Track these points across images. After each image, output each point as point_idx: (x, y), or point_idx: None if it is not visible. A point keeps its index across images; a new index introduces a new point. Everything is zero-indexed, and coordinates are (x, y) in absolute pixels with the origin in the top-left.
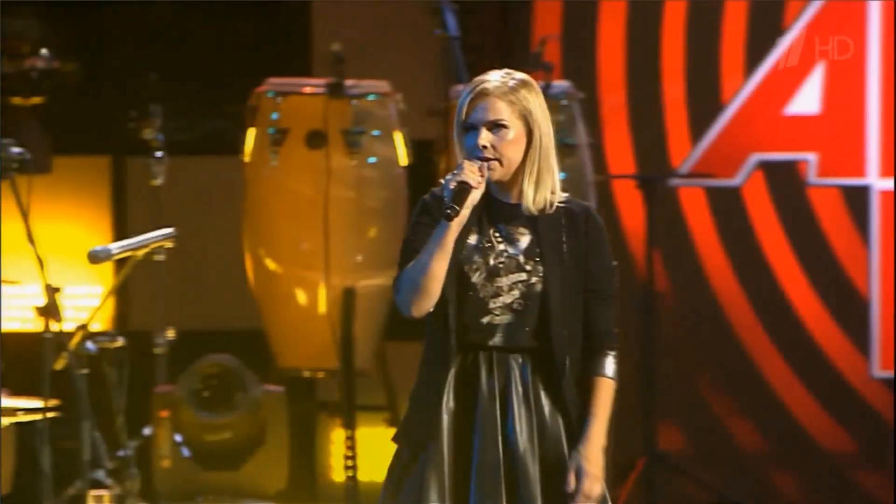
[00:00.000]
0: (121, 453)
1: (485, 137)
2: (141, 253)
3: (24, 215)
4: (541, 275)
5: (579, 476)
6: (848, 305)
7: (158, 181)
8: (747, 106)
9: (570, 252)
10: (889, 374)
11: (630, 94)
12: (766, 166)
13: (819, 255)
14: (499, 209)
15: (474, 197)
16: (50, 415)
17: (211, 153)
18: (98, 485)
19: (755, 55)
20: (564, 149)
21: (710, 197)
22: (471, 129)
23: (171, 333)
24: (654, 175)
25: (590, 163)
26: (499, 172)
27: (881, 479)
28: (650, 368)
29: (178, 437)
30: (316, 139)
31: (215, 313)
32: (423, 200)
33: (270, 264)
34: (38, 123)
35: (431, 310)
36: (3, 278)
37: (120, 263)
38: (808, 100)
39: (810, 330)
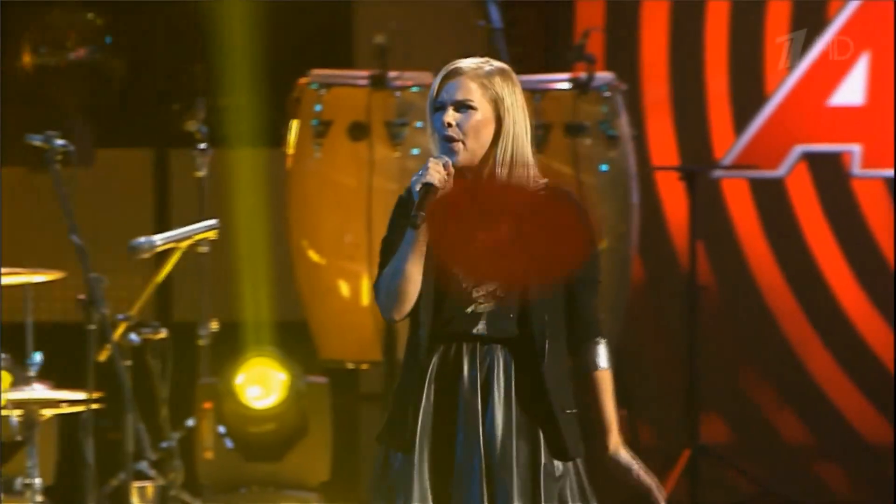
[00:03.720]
0: (164, 445)
1: (451, 115)
2: (184, 245)
3: (68, 207)
4: None
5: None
6: (892, 297)
7: (202, 173)
8: (791, 97)
9: None
10: None
11: (673, 85)
12: (810, 158)
13: (862, 247)
14: None
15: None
16: (93, 406)
17: (255, 145)
18: (141, 476)
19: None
20: (607, 140)
21: (754, 188)
22: (440, 108)
23: (214, 325)
24: (698, 166)
25: (633, 155)
26: (462, 156)
27: None
28: (694, 360)
29: (221, 429)
30: (358, 131)
31: (259, 305)
32: (400, 198)
33: (314, 256)
34: (81, 116)
35: (409, 311)
36: (47, 270)
37: (163, 255)
38: (851, 91)
39: (854, 321)
